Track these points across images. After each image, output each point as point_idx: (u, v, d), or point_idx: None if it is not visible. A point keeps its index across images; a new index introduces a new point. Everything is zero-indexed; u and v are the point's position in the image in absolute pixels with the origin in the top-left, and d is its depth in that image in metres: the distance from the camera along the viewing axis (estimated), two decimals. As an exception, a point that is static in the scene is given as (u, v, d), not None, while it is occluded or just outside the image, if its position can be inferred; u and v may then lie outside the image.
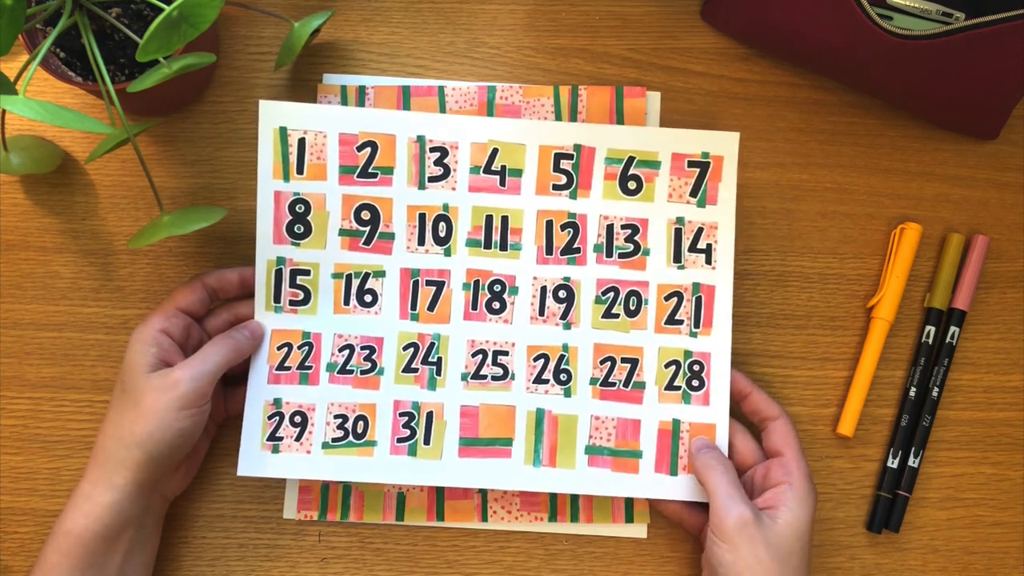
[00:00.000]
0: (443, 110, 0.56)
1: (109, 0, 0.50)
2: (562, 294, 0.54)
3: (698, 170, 0.54)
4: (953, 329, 0.56)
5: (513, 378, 0.53)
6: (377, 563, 0.54)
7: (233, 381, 0.54)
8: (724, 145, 0.54)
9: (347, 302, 0.54)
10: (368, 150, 0.53)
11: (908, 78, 0.53)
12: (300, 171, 0.53)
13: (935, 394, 0.55)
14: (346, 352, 0.53)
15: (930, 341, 0.56)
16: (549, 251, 0.54)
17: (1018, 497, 0.56)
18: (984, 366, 0.57)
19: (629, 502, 0.54)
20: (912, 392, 0.56)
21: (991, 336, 0.57)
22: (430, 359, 0.53)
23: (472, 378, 0.53)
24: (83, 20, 0.48)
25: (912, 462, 0.55)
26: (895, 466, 0.55)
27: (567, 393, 0.53)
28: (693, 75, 0.58)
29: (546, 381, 0.53)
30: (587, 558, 0.55)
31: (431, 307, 0.54)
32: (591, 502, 0.54)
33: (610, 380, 0.54)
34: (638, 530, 0.55)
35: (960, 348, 0.56)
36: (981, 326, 0.57)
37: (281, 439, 0.52)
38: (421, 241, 0.54)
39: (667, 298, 0.54)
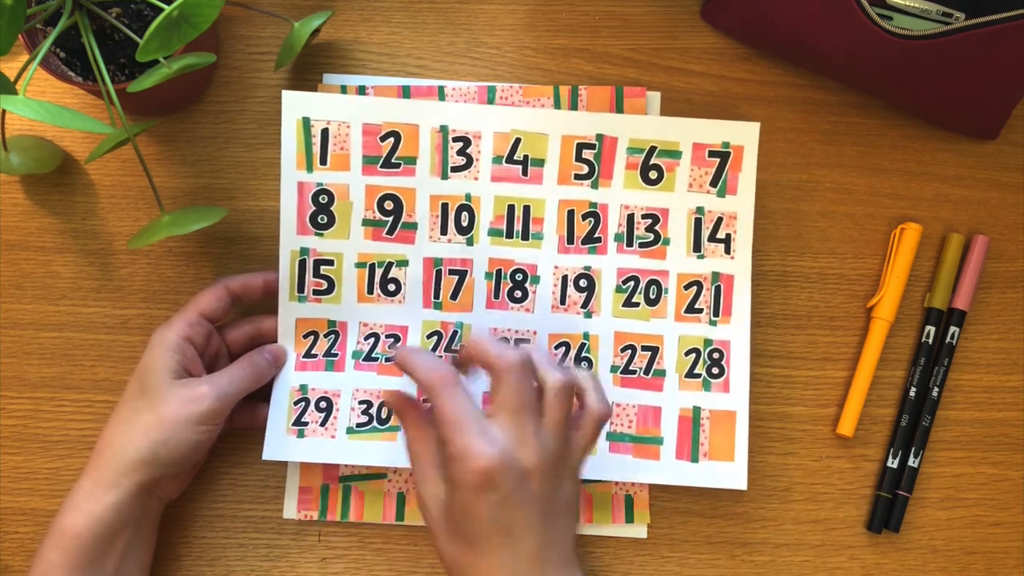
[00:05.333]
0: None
1: (109, 0, 0.50)
2: (583, 283, 0.54)
3: (718, 160, 0.54)
4: (953, 329, 0.56)
5: None
6: (377, 563, 0.54)
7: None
8: (744, 135, 0.54)
9: (371, 291, 0.54)
10: (391, 140, 0.53)
11: (908, 78, 0.53)
12: (324, 162, 0.53)
13: (935, 394, 0.55)
14: (372, 340, 0.54)
15: (930, 341, 0.56)
16: (570, 240, 0.54)
17: (1018, 497, 0.56)
18: (984, 366, 0.57)
19: (629, 502, 0.55)
20: (912, 392, 0.56)
21: (991, 336, 0.57)
22: (453, 347, 0.54)
23: None
24: (83, 20, 0.48)
25: (912, 462, 0.55)
26: (895, 466, 0.55)
27: None
28: (693, 75, 0.58)
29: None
30: (587, 558, 0.55)
31: (454, 296, 0.54)
32: (591, 502, 0.54)
33: (631, 368, 0.54)
34: (638, 530, 0.55)
35: (960, 348, 0.56)
36: (981, 326, 0.57)
37: (306, 424, 0.53)
38: (444, 231, 0.54)
39: (687, 287, 0.54)
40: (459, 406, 0.43)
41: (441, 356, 0.54)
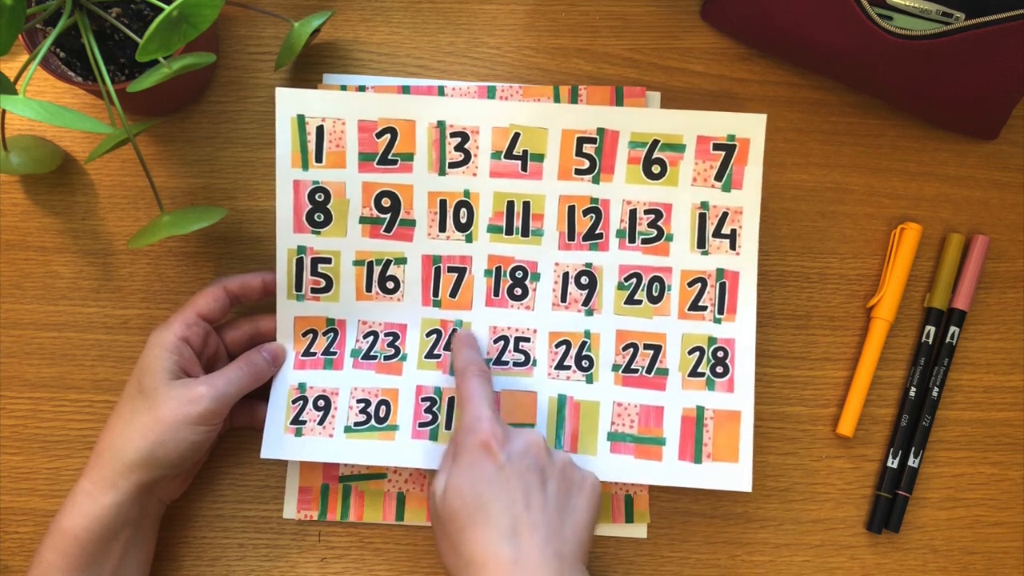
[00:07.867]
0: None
1: (109, 0, 0.50)
2: (584, 280, 0.54)
3: (723, 153, 0.53)
4: (953, 329, 0.56)
5: (535, 364, 0.53)
6: (377, 563, 0.54)
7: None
8: (750, 127, 0.52)
9: (369, 289, 0.54)
10: (388, 136, 0.53)
11: (908, 78, 0.53)
12: (319, 159, 0.53)
13: (935, 394, 0.55)
14: (371, 338, 0.54)
15: (930, 341, 0.56)
16: (571, 237, 0.54)
17: (1018, 497, 0.56)
18: (984, 366, 0.57)
19: (629, 502, 0.54)
20: (912, 392, 0.56)
21: (991, 336, 0.57)
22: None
23: (494, 364, 0.53)
24: (83, 20, 0.48)
25: (912, 462, 0.55)
26: (895, 466, 0.55)
27: (589, 379, 0.53)
28: (693, 75, 0.58)
29: (568, 367, 0.53)
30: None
31: (453, 294, 0.54)
32: (591, 502, 0.54)
33: (632, 367, 0.53)
34: (638, 530, 0.55)
35: (960, 348, 0.56)
36: (981, 326, 0.57)
37: (304, 423, 0.52)
38: (442, 228, 0.54)
39: (690, 284, 0.54)
40: (479, 390, 0.48)
41: (440, 355, 0.53)
